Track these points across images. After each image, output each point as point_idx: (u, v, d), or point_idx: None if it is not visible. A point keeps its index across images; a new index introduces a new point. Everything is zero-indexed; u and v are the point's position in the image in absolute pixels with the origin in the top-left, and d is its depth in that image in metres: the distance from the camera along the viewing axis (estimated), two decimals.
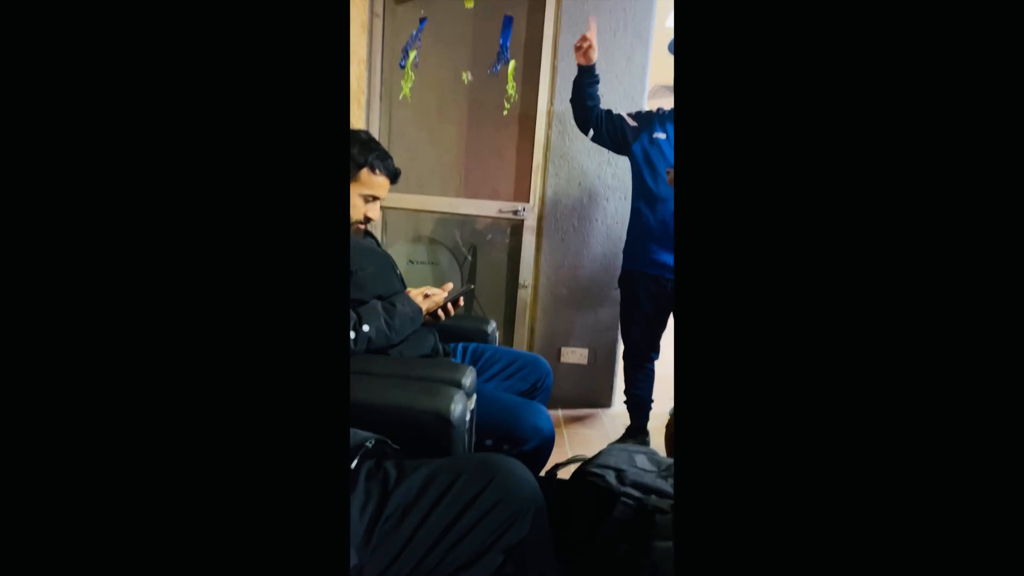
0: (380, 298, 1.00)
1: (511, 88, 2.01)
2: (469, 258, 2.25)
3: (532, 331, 2.11)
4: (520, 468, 0.65)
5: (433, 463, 0.64)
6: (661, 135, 1.53)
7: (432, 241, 2.30)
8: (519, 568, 0.61)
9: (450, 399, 0.75)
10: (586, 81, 1.53)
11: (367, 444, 0.63)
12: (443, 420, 0.73)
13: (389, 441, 0.67)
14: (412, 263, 2.29)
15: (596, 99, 1.57)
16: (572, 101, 1.60)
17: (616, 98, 1.85)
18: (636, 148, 1.55)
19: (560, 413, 2.04)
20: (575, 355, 2.08)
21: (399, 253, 2.27)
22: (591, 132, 1.59)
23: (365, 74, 2.04)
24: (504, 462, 0.66)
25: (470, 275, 2.23)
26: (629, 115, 1.60)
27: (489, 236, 2.21)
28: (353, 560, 0.54)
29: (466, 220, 2.20)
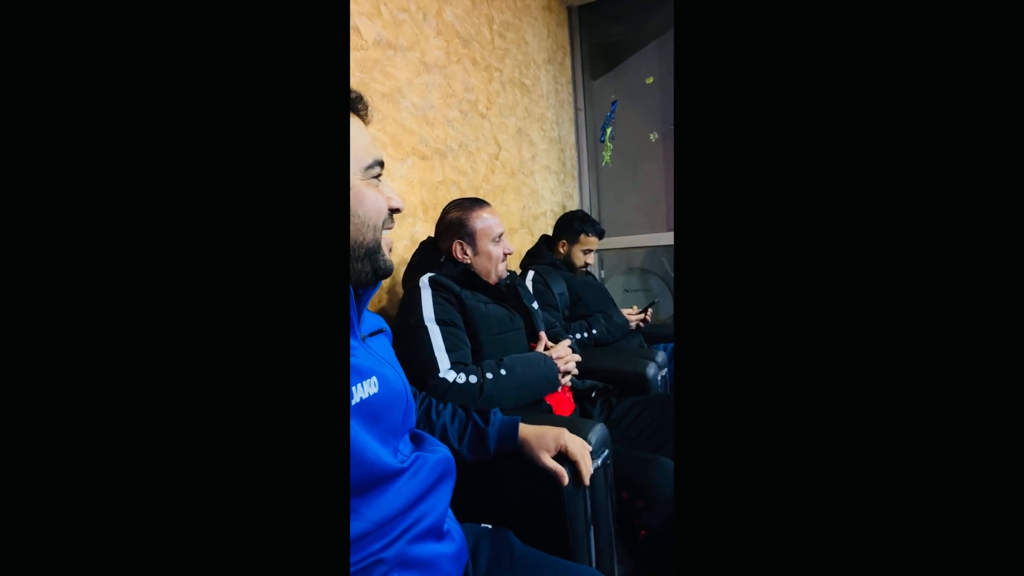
0: (600, 312, 1.58)
1: None
2: None
3: None
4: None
5: (634, 397, 1.18)
6: None
7: (643, 271, 2.79)
8: None
9: (645, 365, 1.27)
10: None
11: (599, 385, 1.20)
12: (642, 377, 1.25)
13: (611, 386, 1.22)
14: (627, 291, 2.82)
15: None
16: None
17: None
18: None
19: None
20: None
21: (616, 284, 2.82)
22: None
23: (575, 154, 2.74)
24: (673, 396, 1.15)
25: None
26: None
27: None
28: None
29: (671, 249, 2.64)
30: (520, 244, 1.95)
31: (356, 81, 1.25)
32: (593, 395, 1.20)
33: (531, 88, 2.23)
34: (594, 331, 1.49)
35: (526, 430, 0.73)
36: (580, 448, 0.72)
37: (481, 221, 1.12)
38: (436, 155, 1.54)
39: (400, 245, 1.36)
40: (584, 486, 0.72)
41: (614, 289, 2.74)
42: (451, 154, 1.61)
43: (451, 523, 0.57)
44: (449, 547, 0.55)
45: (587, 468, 0.71)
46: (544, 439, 0.71)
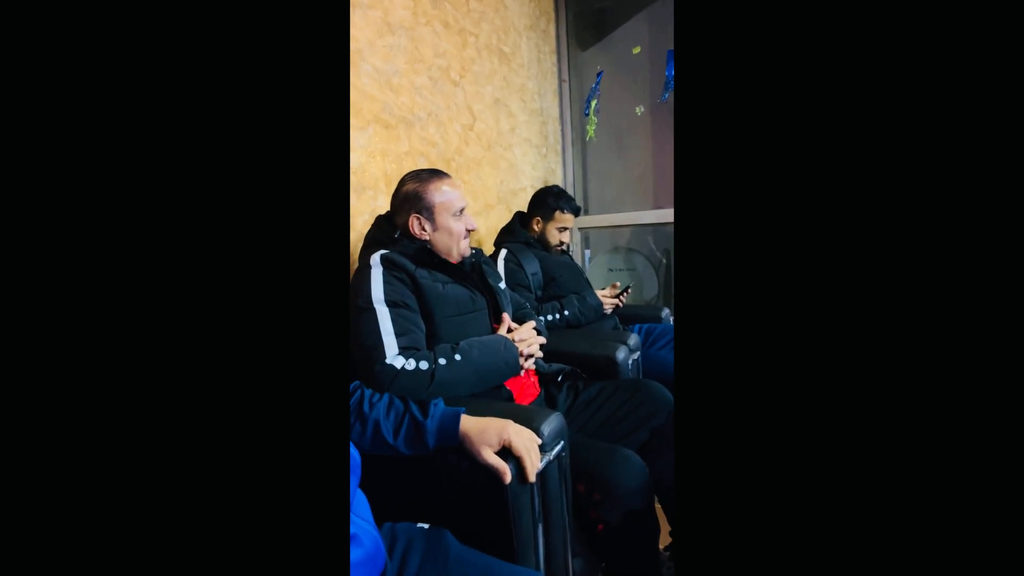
0: (574, 293, 1.52)
1: None
2: (664, 261, 2.60)
3: None
4: (658, 385, 1.07)
5: (602, 382, 1.12)
6: None
7: (629, 250, 2.73)
8: (659, 444, 1.03)
9: (615, 348, 1.21)
10: None
11: (565, 369, 1.14)
12: (611, 361, 1.20)
13: (578, 370, 1.16)
14: (611, 271, 2.76)
15: None
16: None
17: None
18: None
19: None
20: None
21: (600, 263, 2.76)
22: None
23: (559, 128, 2.64)
24: (647, 382, 1.09)
25: (666, 276, 2.58)
26: None
27: None
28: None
29: (657, 228, 2.57)
30: (497, 221, 1.87)
31: None
32: (559, 379, 1.14)
33: (511, 56, 2.12)
34: (566, 312, 1.43)
35: (468, 423, 0.67)
36: (526, 443, 0.66)
37: (440, 194, 1.04)
38: (402, 124, 1.45)
39: (359, 220, 1.28)
40: (529, 483, 0.66)
41: (599, 268, 2.68)
42: (419, 123, 1.52)
43: (359, 526, 0.52)
44: (356, 553, 0.49)
45: (532, 464, 0.66)
46: (486, 433, 0.65)
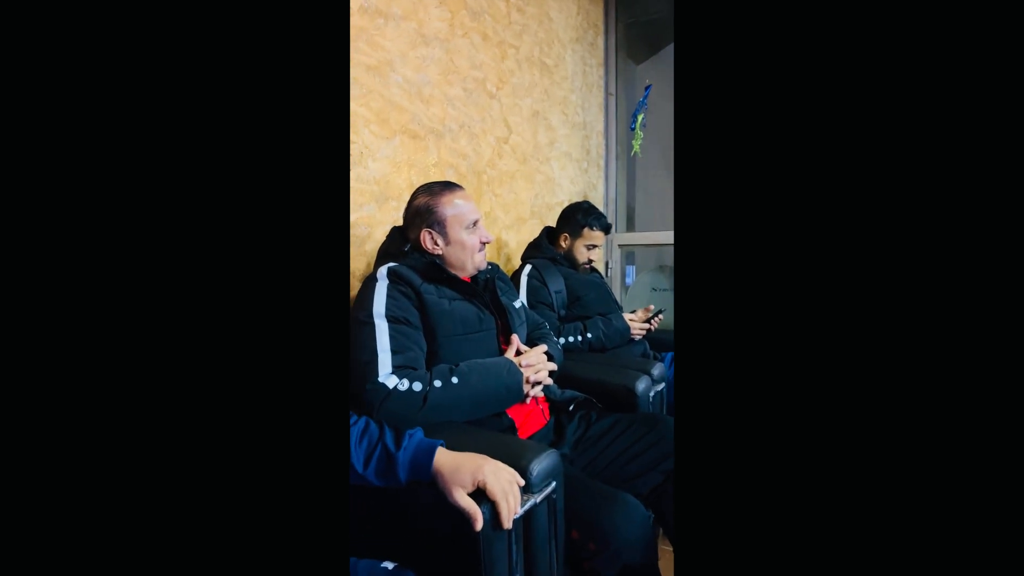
0: (600, 315, 1.44)
1: None
2: None
3: None
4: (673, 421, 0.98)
5: (618, 414, 1.03)
6: None
7: (674, 270, 2.61)
8: (672, 488, 0.93)
9: (636, 378, 1.12)
10: None
11: (578, 397, 1.07)
12: (629, 391, 1.11)
13: (593, 399, 1.09)
14: (655, 290, 2.64)
15: None
16: None
17: None
18: None
19: None
20: None
21: (643, 282, 2.65)
22: None
23: (602, 142, 2.56)
24: (664, 417, 1.00)
25: None
26: None
27: None
28: (566, 451, 0.97)
29: None
30: (529, 235, 1.82)
31: None
32: (571, 408, 1.07)
33: (553, 68, 2.08)
34: (589, 335, 1.35)
35: (443, 459, 0.61)
36: (503, 484, 0.60)
37: (452, 207, 1.00)
38: (431, 135, 1.43)
39: (380, 231, 1.27)
40: (504, 529, 0.60)
41: (642, 288, 2.57)
42: (449, 135, 1.50)
43: None
44: None
45: (509, 510, 0.59)
46: (459, 472, 0.60)
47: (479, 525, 0.57)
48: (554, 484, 0.71)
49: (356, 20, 1.20)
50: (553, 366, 0.98)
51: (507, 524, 0.59)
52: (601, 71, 2.51)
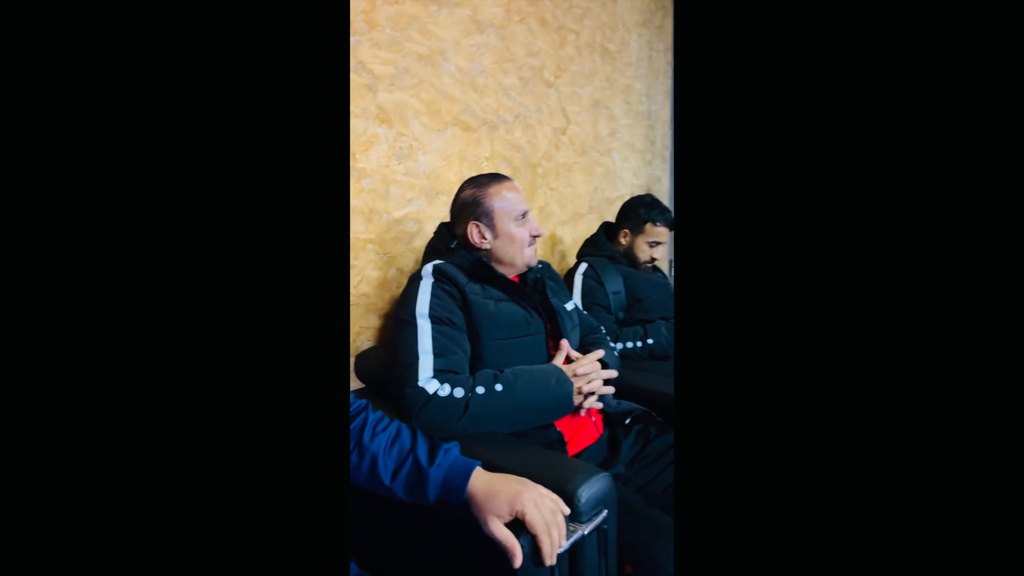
0: (663, 319, 1.32)
1: None
2: None
3: None
4: None
5: None
6: None
7: None
8: None
9: None
10: None
11: (637, 409, 0.97)
12: None
13: (653, 413, 0.98)
14: None
15: None
16: None
17: None
18: None
19: None
20: None
21: None
22: None
23: (670, 132, 2.40)
24: None
25: None
26: None
27: None
28: (620, 470, 0.88)
29: None
30: (586, 231, 1.72)
31: (387, 39, 1.12)
32: (628, 421, 0.97)
33: (616, 55, 1.96)
34: (650, 341, 1.24)
35: (478, 481, 0.55)
36: (546, 515, 0.52)
37: (500, 199, 0.94)
38: (484, 127, 1.37)
39: (429, 227, 1.22)
40: (547, 566, 0.53)
41: None
42: (503, 126, 1.44)
43: None
44: None
45: (552, 544, 0.52)
46: (496, 498, 0.53)
47: (517, 562, 0.50)
48: (605, 513, 0.62)
49: (408, 8, 1.16)
50: (612, 373, 0.90)
51: (549, 560, 0.52)
52: (669, 56, 2.35)
